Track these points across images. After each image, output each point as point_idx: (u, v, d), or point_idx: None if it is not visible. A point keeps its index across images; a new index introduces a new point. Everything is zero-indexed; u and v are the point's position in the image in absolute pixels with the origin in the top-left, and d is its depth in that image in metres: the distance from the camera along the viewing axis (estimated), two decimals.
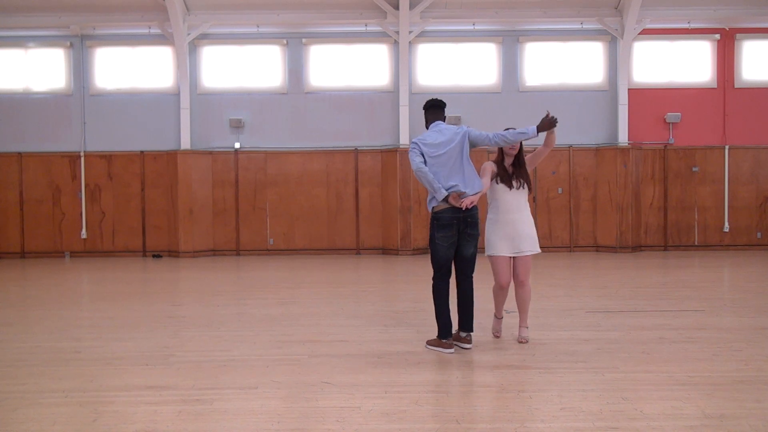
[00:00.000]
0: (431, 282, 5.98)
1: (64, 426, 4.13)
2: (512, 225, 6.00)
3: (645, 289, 9.48)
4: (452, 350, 5.84)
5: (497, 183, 6.01)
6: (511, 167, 6.07)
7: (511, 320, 6.76)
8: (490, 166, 6.04)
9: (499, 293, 6.19)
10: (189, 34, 14.95)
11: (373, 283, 10.83)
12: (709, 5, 14.82)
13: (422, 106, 6.20)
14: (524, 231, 6.02)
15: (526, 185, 6.05)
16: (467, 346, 5.92)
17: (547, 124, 5.67)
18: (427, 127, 6.11)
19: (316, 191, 15.31)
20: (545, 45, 15.42)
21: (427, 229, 14.99)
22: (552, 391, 4.71)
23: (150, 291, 10.13)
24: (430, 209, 5.87)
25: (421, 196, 14.84)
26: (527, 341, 6.11)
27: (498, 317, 6.40)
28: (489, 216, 6.10)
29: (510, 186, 5.99)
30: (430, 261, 5.99)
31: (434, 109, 6.11)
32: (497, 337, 6.33)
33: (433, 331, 6.40)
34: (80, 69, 15.34)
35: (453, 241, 5.80)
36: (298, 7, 14.88)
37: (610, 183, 15.05)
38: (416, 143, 5.87)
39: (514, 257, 6.07)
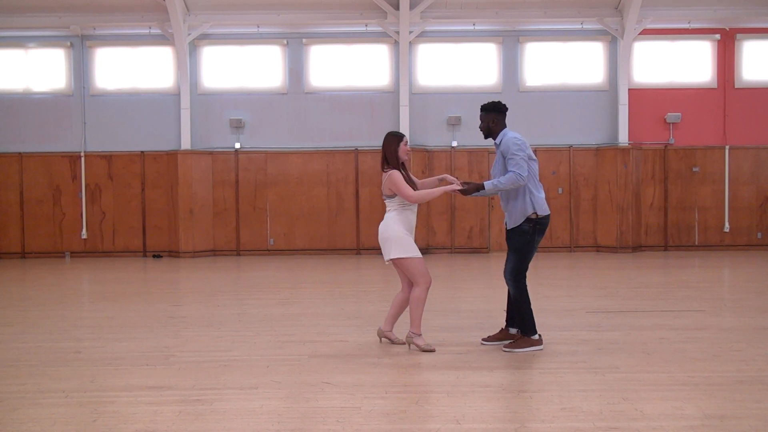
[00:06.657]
0: (519, 285, 5.84)
1: (64, 426, 4.13)
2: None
3: (645, 289, 9.47)
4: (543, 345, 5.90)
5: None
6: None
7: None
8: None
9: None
10: (189, 35, 14.95)
11: (373, 283, 10.82)
12: (709, 5, 14.81)
13: (495, 108, 5.94)
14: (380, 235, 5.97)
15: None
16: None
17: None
18: (499, 130, 5.92)
19: (316, 191, 15.31)
20: (545, 45, 15.41)
21: (426, 229, 15.08)
22: (552, 391, 4.71)
23: (150, 291, 10.13)
24: (529, 214, 5.75)
25: None
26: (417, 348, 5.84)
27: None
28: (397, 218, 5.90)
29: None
30: (514, 267, 5.82)
31: (504, 115, 6.01)
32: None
33: (431, 331, 6.39)
34: (80, 69, 15.34)
35: None
36: (299, 7, 14.88)
37: (611, 183, 15.05)
38: (524, 145, 5.78)
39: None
